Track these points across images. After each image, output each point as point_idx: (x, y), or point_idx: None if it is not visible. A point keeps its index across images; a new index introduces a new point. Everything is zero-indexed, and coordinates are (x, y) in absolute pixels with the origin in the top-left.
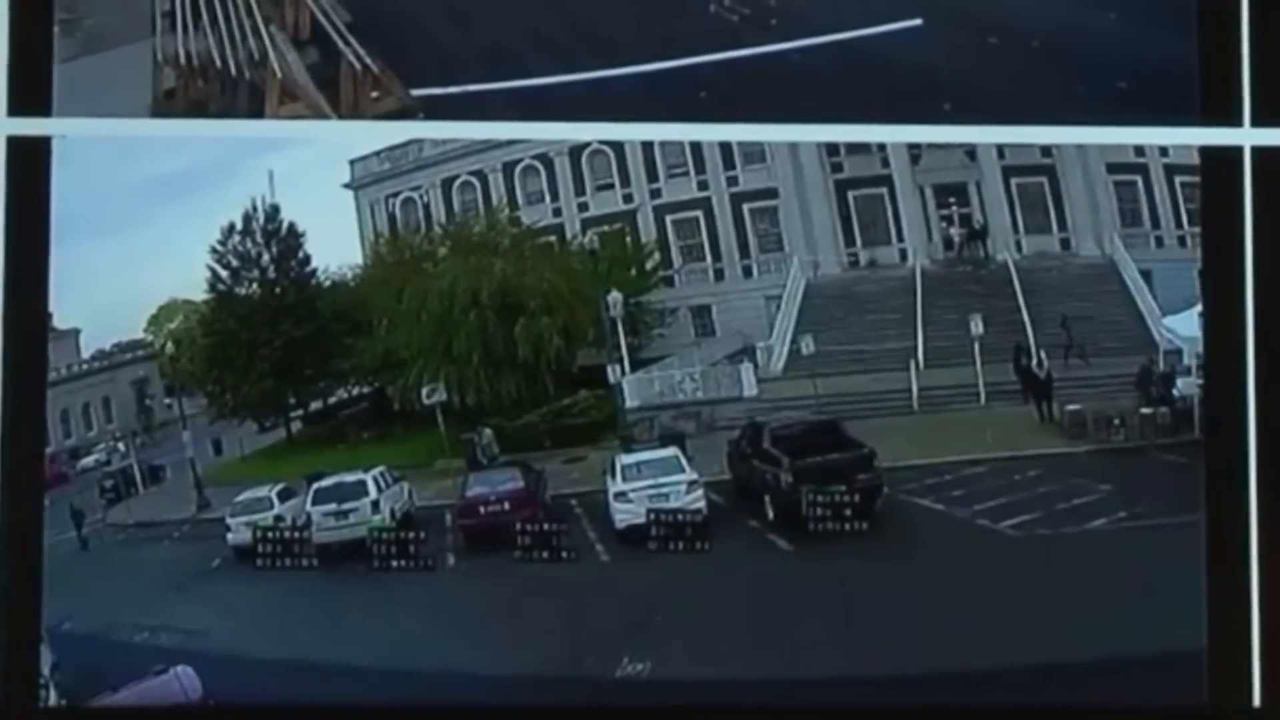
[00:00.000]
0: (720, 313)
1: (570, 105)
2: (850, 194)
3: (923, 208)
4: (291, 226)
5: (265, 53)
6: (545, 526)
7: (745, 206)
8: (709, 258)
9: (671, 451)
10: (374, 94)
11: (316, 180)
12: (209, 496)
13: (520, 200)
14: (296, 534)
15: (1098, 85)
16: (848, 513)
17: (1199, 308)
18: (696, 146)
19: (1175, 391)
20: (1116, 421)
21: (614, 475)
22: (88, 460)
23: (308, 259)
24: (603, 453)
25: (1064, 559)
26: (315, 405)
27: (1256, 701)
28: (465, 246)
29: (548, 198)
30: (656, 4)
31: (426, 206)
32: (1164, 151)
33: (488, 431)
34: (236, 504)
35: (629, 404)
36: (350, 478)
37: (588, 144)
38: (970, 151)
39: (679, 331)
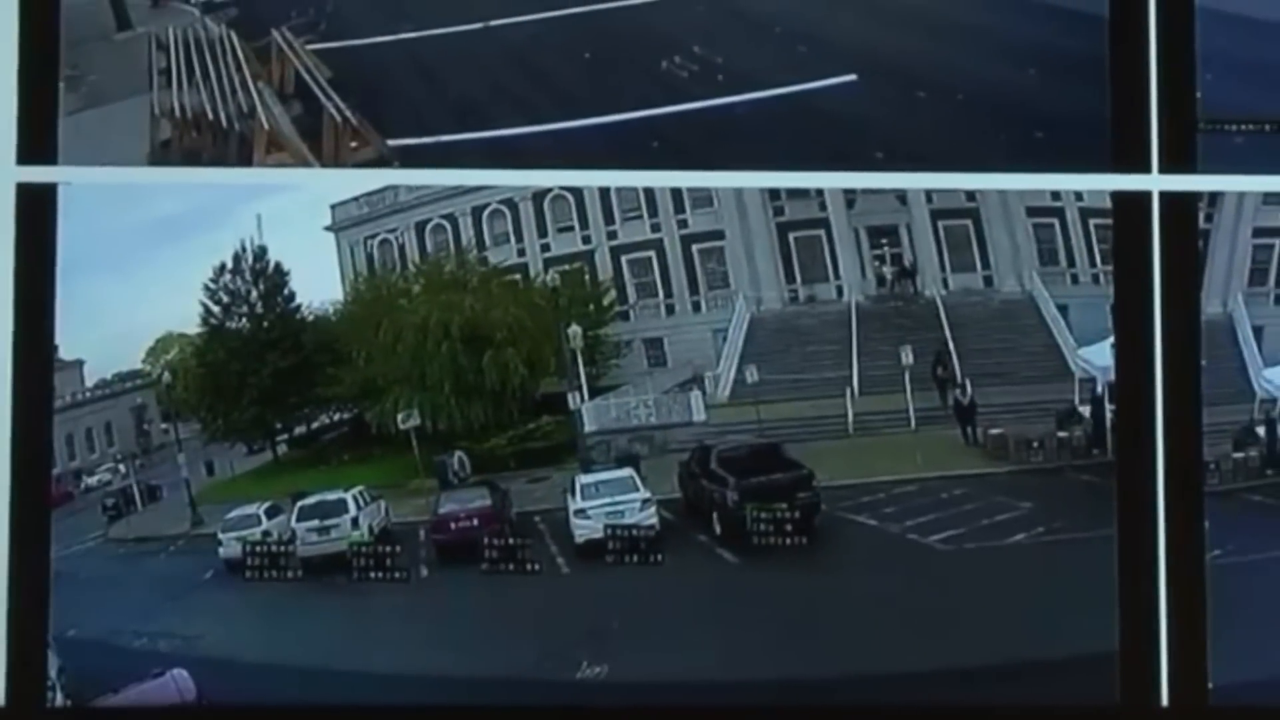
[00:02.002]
0: (671, 345)
1: (534, 154)
2: (791, 235)
3: (857, 248)
4: (278, 266)
5: (254, 106)
6: (511, 541)
7: (694, 247)
8: (661, 294)
9: (627, 472)
10: (353, 144)
11: (300, 223)
12: (202, 514)
13: (488, 241)
14: (282, 548)
15: (1018, 135)
16: (789, 528)
17: (1111, 339)
18: (650, 192)
19: (1107, 413)
20: (1036, 444)
21: (574, 494)
22: (91, 480)
23: (293, 296)
24: (564, 473)
25: (988, 570)
26: (299, 430)
27: (1165, 701)
28: (437, 284)
29: (513, 239)
30: (613, 61)
31: (401, 247)
32: (1079, 196)
33: (459, 454)
34: (227, 520)
35: (588, 428)
36: (332, 496)
37: (549, 190)
38: (901, 196)
39: (634, 362)
